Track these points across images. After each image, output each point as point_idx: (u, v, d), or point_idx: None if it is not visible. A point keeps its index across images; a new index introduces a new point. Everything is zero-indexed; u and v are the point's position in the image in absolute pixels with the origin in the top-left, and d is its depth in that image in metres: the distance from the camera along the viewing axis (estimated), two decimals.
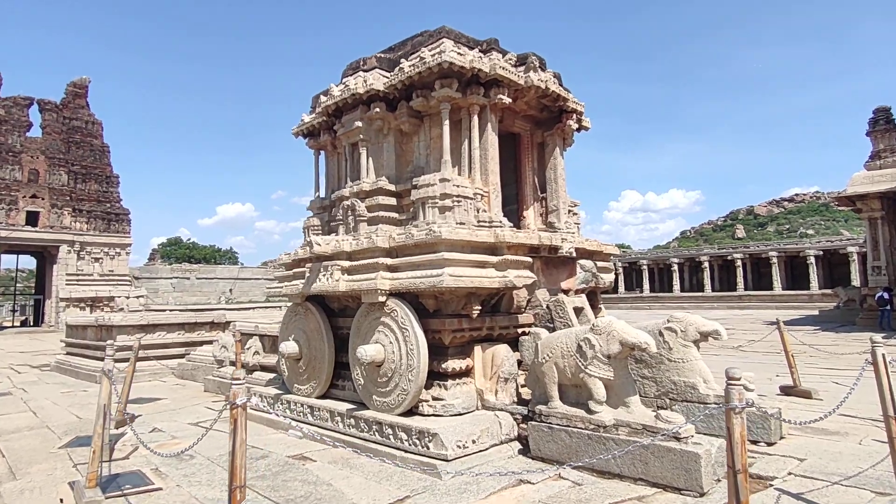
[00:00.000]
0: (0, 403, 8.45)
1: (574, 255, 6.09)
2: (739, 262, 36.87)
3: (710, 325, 5.56)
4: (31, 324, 30.20)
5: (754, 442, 5.11)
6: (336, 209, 6.55)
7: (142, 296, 30.27)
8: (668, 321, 5.80)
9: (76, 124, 30.23)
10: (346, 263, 5.77)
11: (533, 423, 4.87)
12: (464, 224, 5.52)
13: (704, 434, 5.22)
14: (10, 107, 28.20)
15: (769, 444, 5.04)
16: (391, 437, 5.06)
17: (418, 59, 5.71)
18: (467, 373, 5.51)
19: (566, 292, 6.32)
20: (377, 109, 6.10)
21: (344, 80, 6.47)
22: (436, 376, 5.41)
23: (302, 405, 6.20)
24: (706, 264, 38.00)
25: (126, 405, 6.92)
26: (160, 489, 4.43)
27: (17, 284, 35.53)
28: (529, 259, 5.55)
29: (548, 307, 5.84)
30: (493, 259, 5.38)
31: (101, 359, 10.86)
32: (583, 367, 4.59)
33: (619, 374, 4.58)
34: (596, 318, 6.95)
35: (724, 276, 39.00)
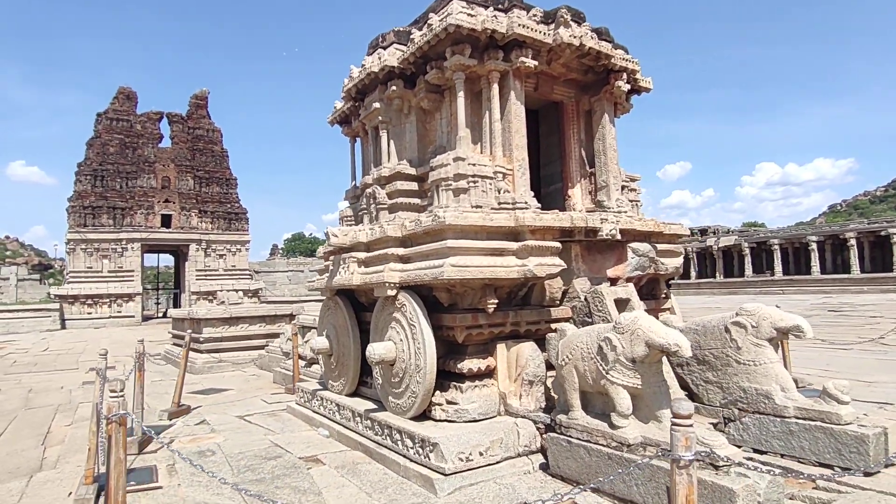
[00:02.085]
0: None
1: (618, 237, 5.21)
2: None
3: (790, 320, 4.49)
4: None
5: (846, 469, 4.00)
6: (362, 197, 6.22)
7: (259, 289, 32.61)
8: (737, 314, 4.79)
9: (199, 133, 33.11)
10: (363, 255, 5.41)
11: (552, 434, 4.19)
12: (480, 207, 4.91)
13: (784, 457, 4.24)
14: (144, 122, 31.58)
15: (867, 475, 3.91)
16: (399, 442, 4.64)
17: (427, 26, 5.16)
18: (489, 374, 4.92)
19: (614, 281, 5.46)
20: (394, 88, 5.65)
21: (364, 59, 6.08)
22: (453, 377, 4.89)
23: (331, 402, 5.97)
24: (853, 241, 33.06)
25: (180, 397, 7.17)
26: (159, 487, 4.38)
27: (161, 280, 40.03)
28: (557, 244, 4.81)
29: (585, 299, 5.05)
30: (514, 246, 4.72)
31: (194, 349, 11.62)
32: (604, 373, 3.83)
33: (649, 381, 3.76)
34: (659, 313, 6.00)
35: (877, 254, 33.72)
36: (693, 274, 40.47)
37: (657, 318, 5.70)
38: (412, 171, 5.65)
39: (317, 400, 6.34)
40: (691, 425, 2.13)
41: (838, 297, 28.20)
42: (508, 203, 5.03)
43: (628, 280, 5.55)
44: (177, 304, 33.01)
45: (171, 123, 32.64)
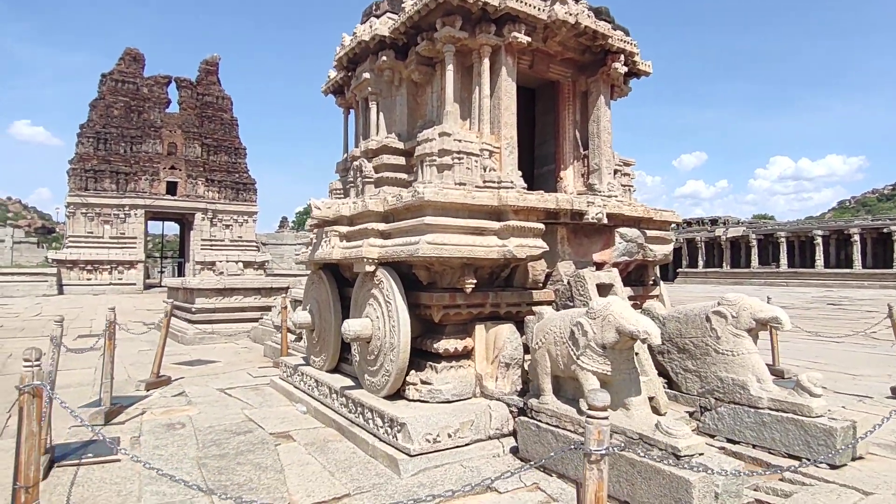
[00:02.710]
0: (84, 358, 9.24)
1: (604, 221, 5.08)
2: None
3: (769, 311, 4.41)
4: None
5: (814, 463, 3.93)
6: (350, 170, 6.10)
7: (266, 261, 32.66)
8: (719, 304, 4.70)
9: (208, 100, 32.87)
10: (345, 229, 5.32)
11: (522, 418, 4.14)
12: (464, 184, 4.79)
13: (756, 447, 4.18)
14: (151, 86, 31.35)
15: (833, 468, 3.84)
16: (370, 421, 4.59)
17: None
18: (467, 355, 4.85)
19: (600, 266, 5.36)
20: (384, 58, 5.49)
21: (356, 28, 5.92)
22: (430, 357, 4.83)
23: (311, 378, 5.93)
24: (856, 237, 32.68)
25: (159, 367, 7.16)
26: (117, 460, 4.33)
27: (167, 249, 40.18)
28: (540, 226, 4.70)
29: (568, 283, 4.96)
30: (496, 225, 4.61)
31: (186, 320, 11.65)
32: (575, 358, 3.76)
33: (620, 368, 3.68)
34: (646, 300, 5.90)
35: (879, 251, 33.35)
36: (701, 263, 40.24)
37: (642, 305, 5.63)
38: (400, 145, 5.52)
39: (298, 375, 6.31)
40: (606, 417, 2.05)
41: (839, 291, 27.99)
42: (493, 182, 4.91)
43: (615, 265, 5.44)
44: (181, 274, 33.15)
45: (179, 88, 32.38)
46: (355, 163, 5.80)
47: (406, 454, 3.98)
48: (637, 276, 5.95)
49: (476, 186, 4.84)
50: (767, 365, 7.63)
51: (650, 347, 5.19)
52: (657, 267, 6.07)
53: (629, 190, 6.12)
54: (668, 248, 5.88)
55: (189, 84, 32.55)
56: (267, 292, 12.20)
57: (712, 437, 4.54)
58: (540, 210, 4.77)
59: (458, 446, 4.15)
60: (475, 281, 4.58)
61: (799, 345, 10.01)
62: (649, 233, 5.69)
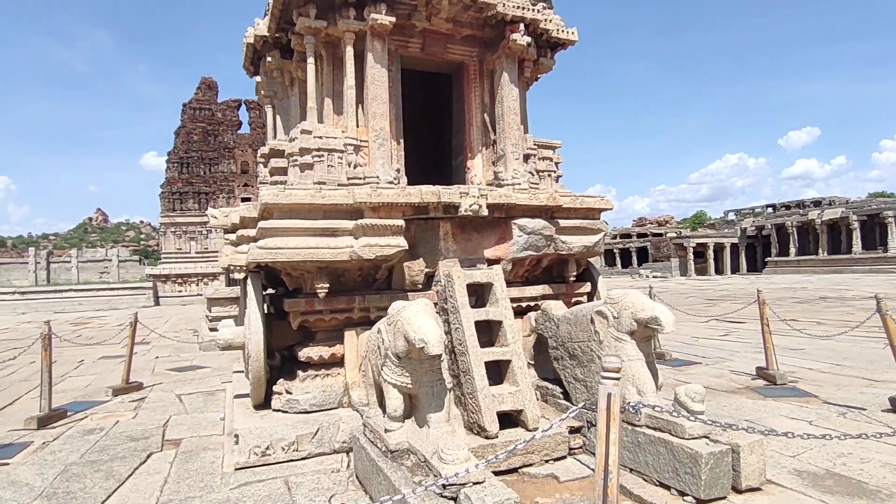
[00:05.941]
0: (103, 364, 9.98)
1: (483, 213, 4.59)
2: None
3: (650, 310, 3.76)
4: None
5: (682, 494, 3.27)
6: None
7: None
8: (604, 302, 4.08)
9: None
10: (234, 236, 5.25)
11: (355, 433, 3.82)
12: (324, 183, 4.54)
13: (633, 471, 3.57)
14: (224, 110, 33.60)
15: (700, 502, 3.16)
16: (233, 430, 4.47)
17: None
18: (339, 363, 4.60)
19: (495, 263, 4.87)
20: (269, 59, 5.37)
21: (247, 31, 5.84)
22: (298, 365, 4.63)
23: (232, 384, 5.94)
24: None
25: (128, 374, 7.49)
26: (6, 464, 4.54)
27: None
28: (398, 222, 4.33)
29: (444, 284, 4.53)
30: (350, 225, 4.32)
31: (209, 327, 12.21)
32: (380, 369, 3.39)
33: (422, 380, 3.28)
34: (571, 298, 5.31)
35: None
36: (793, 250, 36.39)
37: (569, 303, 5.06)
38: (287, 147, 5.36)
39: (234, 381, 6.34)
40: None
41: None
42: (359, 178, 4.61)
43: (516, 261, 4.92)
44: None
45: (248, 110, 34.41)
46: (258, 168, 5.72)
47: (234, 467, 3.81)
48: (559, 272, 5.36)
49: (339, 184, 4.57)
50: (759, 368, 6.66)
51: (547, 351, 4.65)
52: (583, 260, 5.44)
53: (548, 175, 5.52)
54: (593, 239, 5.23)
55: (257, 105, 34.41)
56: None
57: (593, 454, 3.94)
58: (403, 205, 4.40)
59: (291, 460, 3.92)
60: (328, 285, 4.32)
61: (843, 344, 8.58)
62: (565, 223, 5.10)
